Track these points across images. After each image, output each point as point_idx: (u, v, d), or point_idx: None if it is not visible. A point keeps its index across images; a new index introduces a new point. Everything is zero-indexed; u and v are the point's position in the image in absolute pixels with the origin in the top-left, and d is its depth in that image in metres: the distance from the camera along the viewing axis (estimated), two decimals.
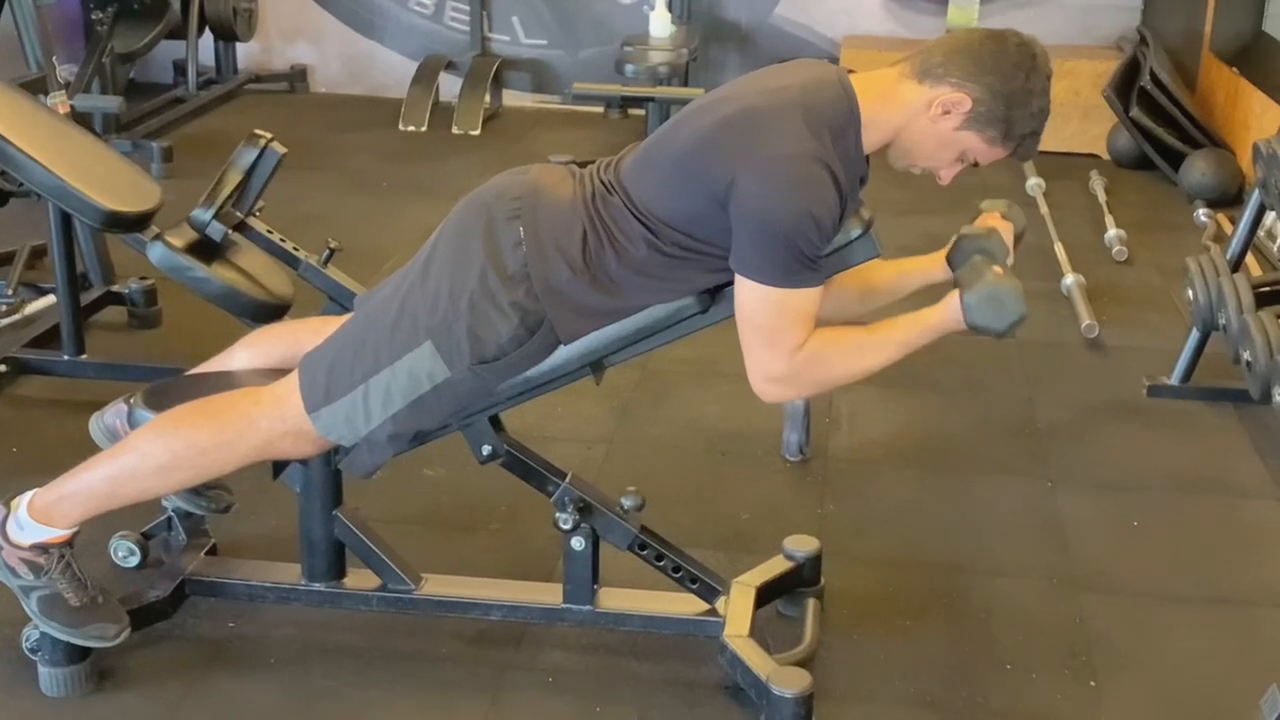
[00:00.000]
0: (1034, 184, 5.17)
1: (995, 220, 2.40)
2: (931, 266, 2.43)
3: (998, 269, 2.20)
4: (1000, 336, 2.21)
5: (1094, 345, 3.91)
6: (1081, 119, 5.68)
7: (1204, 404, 3.55)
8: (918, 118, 2.18)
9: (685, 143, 2.18)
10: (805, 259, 2.11)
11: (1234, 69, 5.32)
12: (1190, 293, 3.53)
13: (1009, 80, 2.15)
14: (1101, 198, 5.05)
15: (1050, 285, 4.30)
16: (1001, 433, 3.38)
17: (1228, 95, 5.42)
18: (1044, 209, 4.94)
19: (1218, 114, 5.49)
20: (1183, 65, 5.71)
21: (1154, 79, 5.32)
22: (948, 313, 2.21)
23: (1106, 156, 5.67)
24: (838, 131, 2.14)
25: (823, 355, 2.19)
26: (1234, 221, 4.68)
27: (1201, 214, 4.89)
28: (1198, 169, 5.15)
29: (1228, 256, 3.52)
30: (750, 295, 2.14)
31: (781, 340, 2.16)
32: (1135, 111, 5.36)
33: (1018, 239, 2.40)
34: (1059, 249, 4.49)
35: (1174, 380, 3.60)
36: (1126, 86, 5.46)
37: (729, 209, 2.12)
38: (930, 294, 2.33)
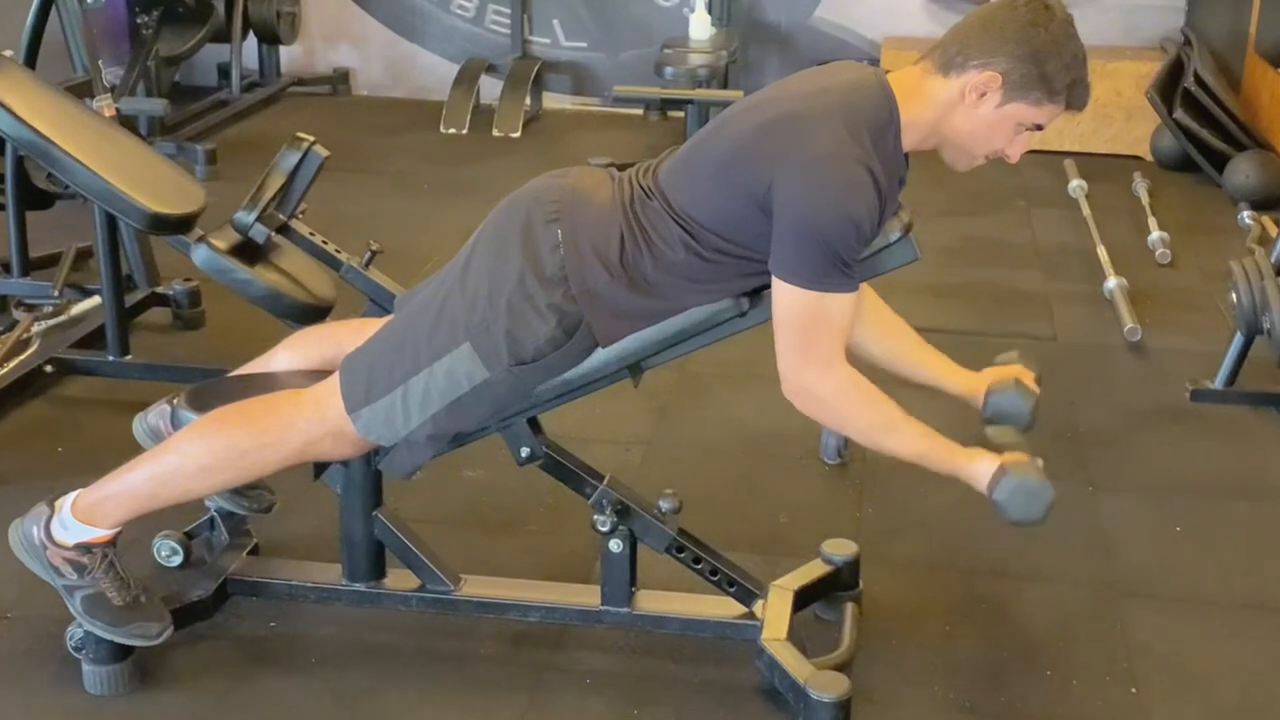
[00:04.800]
0: (1076, 186, 5.14)
1: (1017, 370, 2.46)
2: (956, 380, 2.48)
3: (1040, 464, 2.25)
4: (1009, 523, 2.27)
5: (1136, 349, 3.88)
6: (1124, 120, 5.64)
7: (1248, 408, 3.51)
8: (954, 111, 2.17)
9: (725, 146, 2.18)
10: (842, 262, 2.11)
11: (1279, 70, 5.26)
12: (1234, 296, 3.49)
13: (1030, 40, 2.13)
14: (1144, 200, 5.01)
15: (1092, 288, 4.27)
16: (1043, 436, 3.32)
17: (1273, 97, 5.36)
18: (1086, 211, 4.91)
19: (1262, 116, 5.44)
20: (1227, 66, 5.66)
21: (1198, 80, 5.28)
22: (976, 470, 2.26)
23: (1149, 158, 5.62)
24: (877, 133, 2.14)
25: (854, 399, 2.20)
26: (1278, 224, 4.64)
27: (1245, 216, 4.83)
28: (1242, 171, 5.10)
29: (1272, 259, 3.48)
30: (787, 298, 2.14)
31: (815, 347, 2.16)
32: (1179, 113, 5.31)
33: (1038, 380, 2.48)
34: (1101, 251, 4.46)
35: (1217, 384, 3.56)
36: (1170, 88, 5.41)
37: (769, 212, 2.12)
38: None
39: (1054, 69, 2.14)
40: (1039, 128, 2.22)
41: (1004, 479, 2.21)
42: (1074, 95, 2.18)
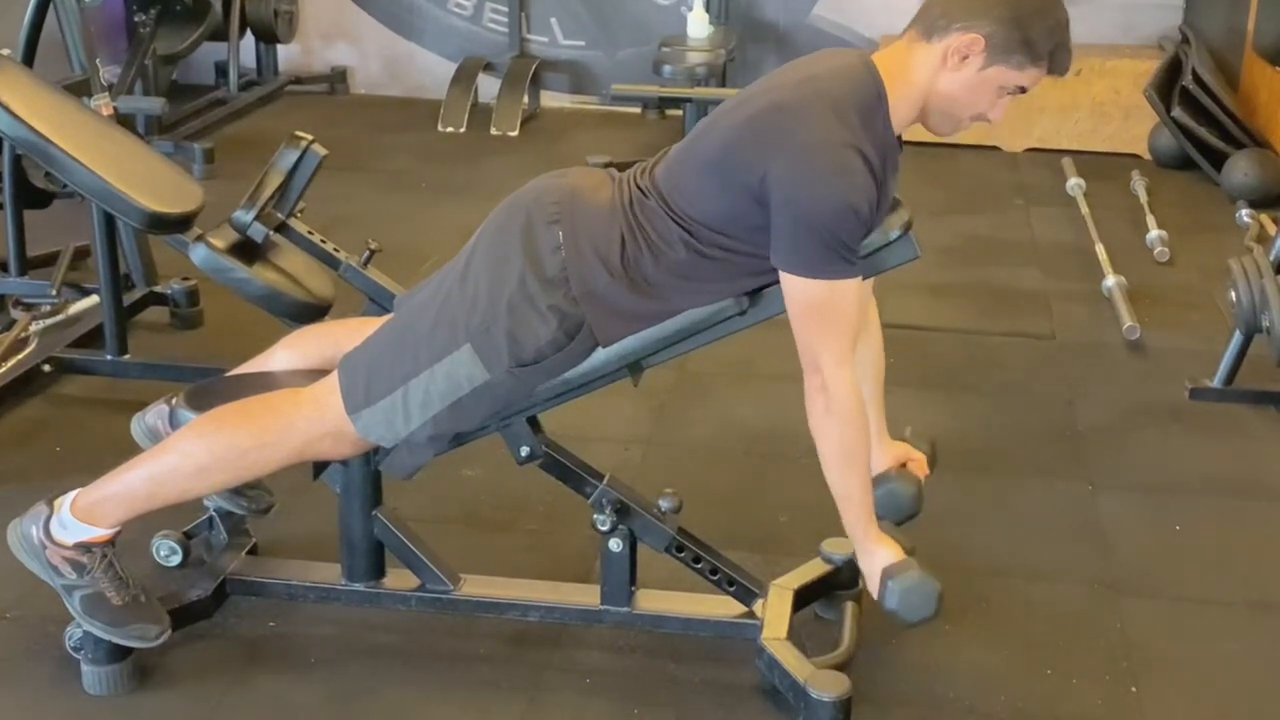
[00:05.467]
0: (1074, 184, 5.14)
1: (909, 452, 2.52)
2: (877, 444, 2.48)
3: (912, 567, 2.27)
4: (904, 625, 2.30)
5: (1135, 347, 3.88)
6: (1123, 118, 5.63)
7: (1247, 407, 3.51)
8: (939, 75, 2.17)
9: (717, 142, 2.19)
10: (845, 248, 2.11)
11: (1277, 68, 5.26)
12: (1233, 294, 3.49)
13: (1014, 4, 2.13)
14: (1143, 198, 5.01)
15: (1091, 286, 4.27)
16: (1041, 435, 3.36)
17: (1271, 95, 5.36)
18: (1084, 209, 4.90)
19: (1260, 113, 5.44)
20: (1225, 64, 5.66)
21: (1196, 78, 5.27)
22: (874, 562, 2.28)
23: (1148, 156, 5.62)
24: (866, 115, 2.14)
25: (849, 411, 2.20)
26: (1277, 222, 4.64)
27: (1244, 214, 4.84)
28: (1240, 169, 5.10)
29: (1271, 258, 3.48)
30: (795, 290, 2.14)
31: (829, 338, 2.16)
32: (1177, 111, 5.31)
33: (931, 460, 2.56)
34: (1100, 250, 4.46)
35: (1216, 383, 3.56)
36: (1168, 86, 5.41)
37: (765, 204, 2.12)
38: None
39: (1037, 33, 2.14)
40: (1022, 90, 2.21)
41: (899, 577, 2.24)
42: (1056, 59, 2.18)
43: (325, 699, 2.37)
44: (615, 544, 2.39)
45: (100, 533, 2.32)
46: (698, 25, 5.84)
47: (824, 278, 2.12)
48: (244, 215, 2.88)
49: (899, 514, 2.48)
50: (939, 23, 2.16)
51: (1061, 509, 3.04)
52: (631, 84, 5.79)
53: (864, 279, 2.28)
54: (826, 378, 2.18)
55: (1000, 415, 3.48)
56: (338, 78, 6.58)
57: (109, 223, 3.38)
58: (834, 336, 2.16)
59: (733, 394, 3.55)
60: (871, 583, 2.29)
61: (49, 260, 3.75)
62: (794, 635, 2.36)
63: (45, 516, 2.33)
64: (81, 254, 3.81)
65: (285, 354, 2.55)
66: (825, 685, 2.23)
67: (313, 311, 2.94)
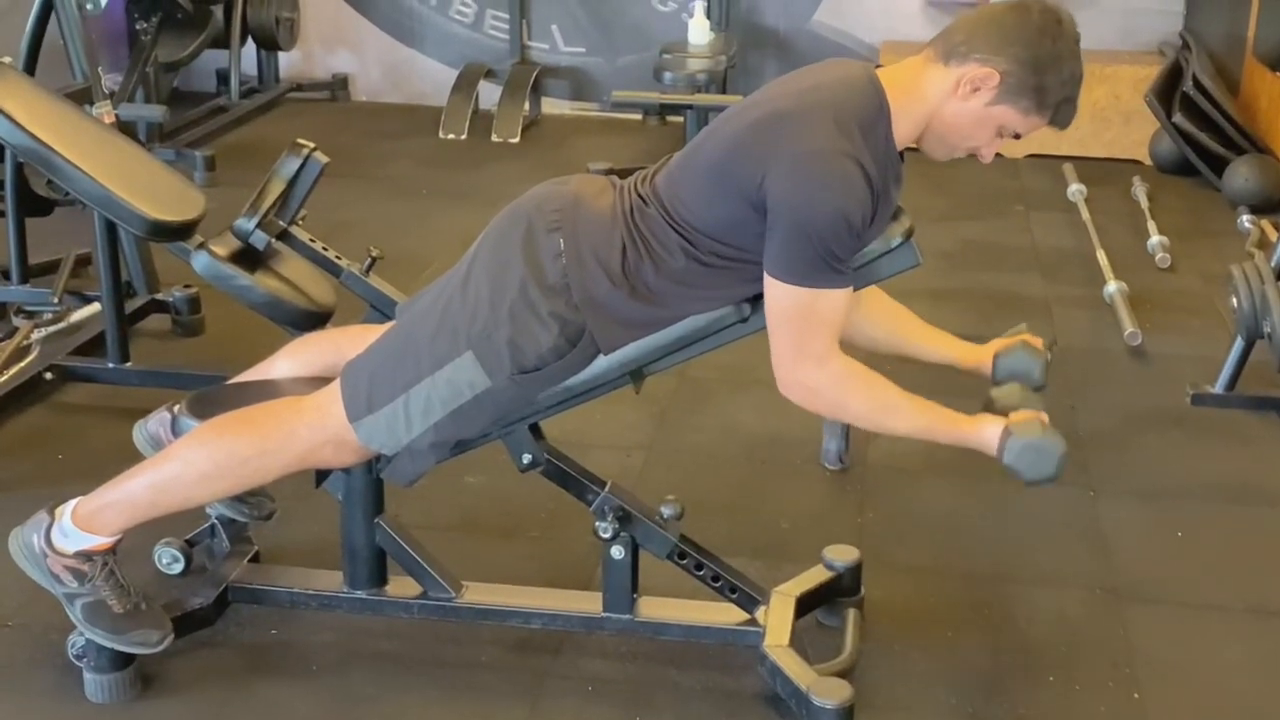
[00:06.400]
0: (1075, 190, 5.14)
1: (1024, 335, 2.45)
2: (964, 355, 2.48)
3: (1044, 419, 2.21)
4: (1027, 484, 2.23)
5: (1137, 353, 3.88)
6: (1123, 124, 5.64)
7: (1248, 413, 3.51)
8: (948, 101, 2.17)
9: (718, 149, 2.19)
10: (835, 258, 2.11)
11: (1278, 74, 5.27)
12: (1234, 300, 3.49)
13: (1035, 47, 2.13)
14: (1144, 204, 5.02)
15: (1092, 292, 4.27)
16: None
17: (1271, 100, 5.37)
18: (1086, 215, 4.91)
19: (1261, 119, 5.44)
20: (1226, 70, 5.66)
21: (1196, 84, 5.28)
22: (984, 436, 2.22)
23: (1148, 162, 5.63)
24: (867, 127, 2.13)
25: (850, 386, 2.20)
26: (1278, 227, 4.65)
27: (1245, 220, 4.84)
28: (1241, 174, 5.10)
29: (1272, 263, 3.49)
30: (778, 295, 2.14)
31: (808, 344, 2.15)
32: (1178, 117, 5.31)
33: (1049, 346, 2.47)
34: (1101, 255, 4.46)
35: (1218, 389, 3.56)
36: (1169, 91, 5.42)
37: (763, 211, 2.12)
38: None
39: (1051, 82, 2.15)
40: (1016, 136, 2.22)
41: (1010, 441, 2.18)
42: (1061, 113, 2.19)
43: (327, 706, 2.37)
44: (617, 551, 2.39)
45: (101, 541, 2.32)
46: (698, 32, 5.85)
47: (807, 285, 2.12)
48: (246, 223, 2.89)
49: (1028, 375, 2.39)
50: (959, 49, 2.16)
51: (1063, 515, 3.04)
52: (632, 90, 5.79)
53: (867, 285, 2.29)
54: (811, 383, 2.18)
55: None
56: (339, 85, 6.59)
57: (110, 230, 3.38)
58: (815, 341, 2.15)
59: (734, 400, 3.55)
60: (993, 451, 2.21)
61: (51, 268, 3.76)
62: (796, 642, 2.36)
63: (46, 525, 2.33)
64: (83, 262, 3.81)
65: (287, 362, 2.55)
66: (828, 692, 2.23)
67: (314, 319, 2.94)
